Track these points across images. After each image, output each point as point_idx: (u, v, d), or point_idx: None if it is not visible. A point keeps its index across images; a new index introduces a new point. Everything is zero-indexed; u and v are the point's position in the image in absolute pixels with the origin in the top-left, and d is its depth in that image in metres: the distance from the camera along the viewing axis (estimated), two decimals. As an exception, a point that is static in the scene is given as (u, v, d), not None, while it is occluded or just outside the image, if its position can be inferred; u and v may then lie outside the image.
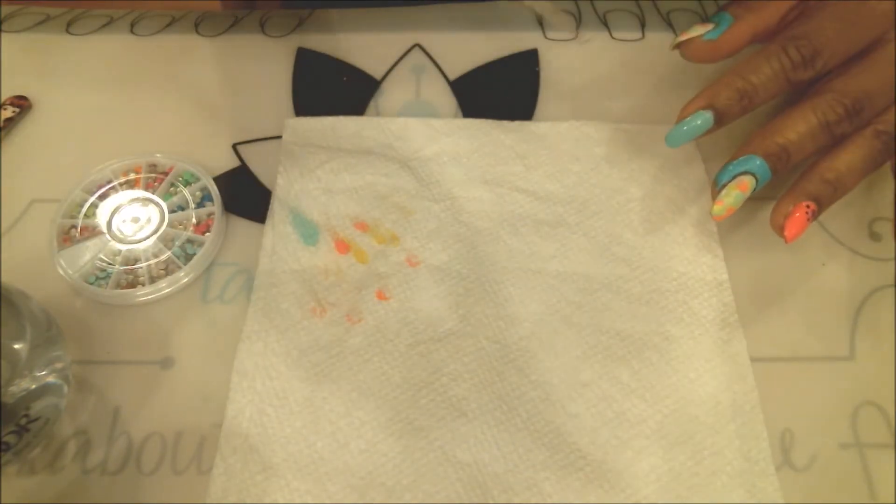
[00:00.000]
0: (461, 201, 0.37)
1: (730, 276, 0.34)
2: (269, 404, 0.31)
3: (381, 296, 0.34)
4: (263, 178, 0.38)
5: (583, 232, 0.36)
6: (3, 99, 0.41)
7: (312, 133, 0.39)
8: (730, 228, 0.36)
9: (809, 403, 0.31)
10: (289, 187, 0.37)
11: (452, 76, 0.42)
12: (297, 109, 0.41)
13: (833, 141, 0.31)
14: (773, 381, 0.32)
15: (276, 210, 0.36)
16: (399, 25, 0.44)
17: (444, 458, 0.30)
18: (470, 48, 0.43)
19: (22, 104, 0.41)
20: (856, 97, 0.31)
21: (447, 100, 0.41)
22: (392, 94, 0.41)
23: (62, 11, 0.45)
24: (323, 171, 0.38)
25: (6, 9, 0.45)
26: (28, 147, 0.40)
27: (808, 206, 0.30)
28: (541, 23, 0.44)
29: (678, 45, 0.36)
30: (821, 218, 0.36)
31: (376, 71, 0.42)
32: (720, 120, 0.32)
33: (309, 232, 0.36)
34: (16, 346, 0.28)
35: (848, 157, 0.31)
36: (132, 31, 0.44)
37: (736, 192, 0.30)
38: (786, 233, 0.30)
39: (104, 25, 0.45)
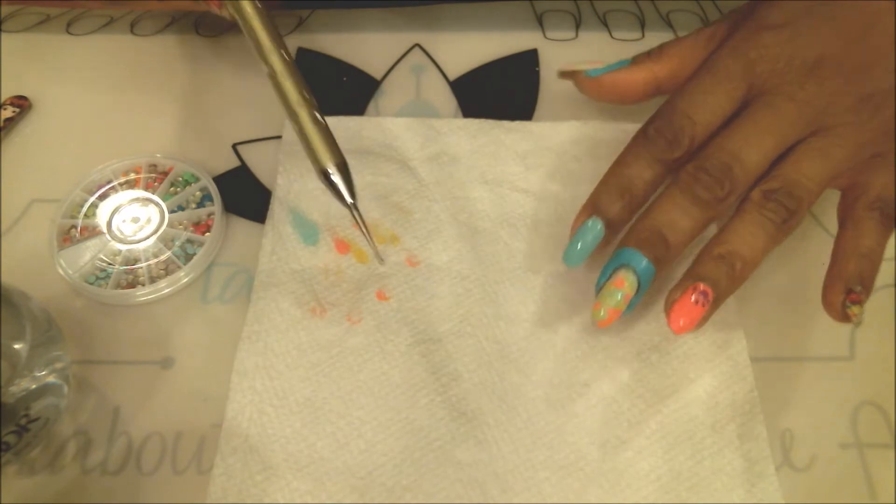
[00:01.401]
0: (461, 201, 0.37)
1: (730, 276, 0.34)
2: (269, 404, 0.31)
3: (381, 296, 0.34)
4: (263, 178, 0.38)
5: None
6: (3, 99, 0.41)
7: (312, 133, 0.39)
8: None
9: (809, 403, 0.31)
10: (289, 187, 0.37)
11: (452, 76, 0.42)
12: (297, 109, 0.41)
13: (716, 212, 0.29)
14: (773, 381, 0.32)
15: (276, 210, 0.36)
16: (399, 25, 0.44)
17: (444, 458, 0.30)
18: (470, 48, 0.43)
19: (22, 104, 0.41)
20: (717, 158, 0.28)
21: (447, 100, 0.41)
22: (392, 94, 0.41)
23: (62, 11, 0.45)
24: (323, 171, 0.38)
25: (6, 9, 0.45)
26: (28, 147, 0.40)
27: (695, 288, 0.27)
28: (540, 22, 0.44)
29: (561, 75, 0.36)
30: (820, 218, 0.36)
31: (376, 71, 0.42)
32: (611, 225, 0.30)
33: (309, 232, 0.36)
34: (16, 346, 0.28)
35: (737, 227, 0.28)
36: (132, 31, 0.44)
37: (613, 290, 0.28)
38: (671, 323, 0.27)
39: (104, 25, 0.45)
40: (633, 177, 0.30)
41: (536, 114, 0.40)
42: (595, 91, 0.35)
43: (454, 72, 0.42)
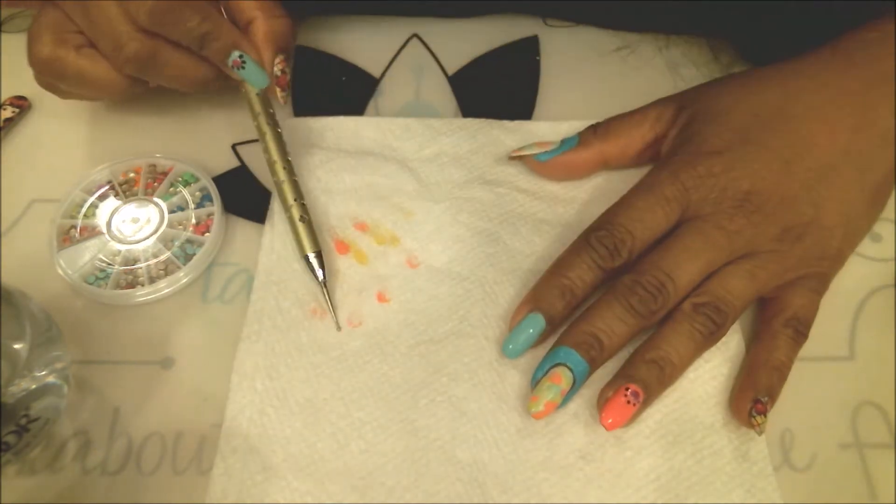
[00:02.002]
0: (461, 201, 0.37)
1: (730, 276, 0.34)
2: (269, 404, 0.31)
3: (382, 298, 0.34)
4: (263, 178, 0.38)
5: None
6: (3, 99, 0.41)
7: (312, 133, 0.39)
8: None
9: (809, 403, 0.31)
10: (289, 187, 0.37)
11: (452, 68, 0.42)
12: (296, 109, 0.41)
13: (648, 321, 0.31)
14: (772, 381, 0.32)
15: (276, 210, 0.36)
16: (397, 20, 0.44)
17: (444, 458, 0.30)
18: (469, 37, 0.43)
19: (22, 104, 0.41)
20: (652, 275, 0.31)
21: (447, 99, 0.41)
22: (392, 94, 0.41)
23: (62, 11, 0.45)
24: (323, 171, 0.38)
25: (6, 10, 0.45)
26: (28, 147, 0.40)
27: (627, 389, 0.29)
28: (544, 21, 0.44)
29: (510, 159, 0.37)
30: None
31: (375, 68, 0.42)
32: (552, 322, 0.31)
33: (309, 232, 0.36)
34: (16, 346, 0.28)
35: (667, 335, 0.30)
36: (132, 31, 0.44)
37: (549, 385, 0.29)
38: (603, 420, 0.29)
39: (104, 25, 0.45)
40: (574, 278, 0.32)
41: (537, 106, 0.40)
42: (546, 173, 0.37)
43: (453, 63, 0.42)
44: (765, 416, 0.29)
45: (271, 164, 0.36)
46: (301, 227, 0.34)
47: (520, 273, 0.34)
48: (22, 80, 0.42)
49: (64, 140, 0.40)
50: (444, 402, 0.31)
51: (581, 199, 0.37)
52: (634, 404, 0.29)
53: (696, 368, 0.32)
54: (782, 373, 0.31)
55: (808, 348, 0.32)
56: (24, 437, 0.28)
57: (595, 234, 0.32)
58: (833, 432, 0.31)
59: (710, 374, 0.32)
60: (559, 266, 0.32)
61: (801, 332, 0.31)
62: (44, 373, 0.29)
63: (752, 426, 0.30)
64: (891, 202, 0.36)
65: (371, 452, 0.30)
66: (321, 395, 0.31)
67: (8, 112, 0.40)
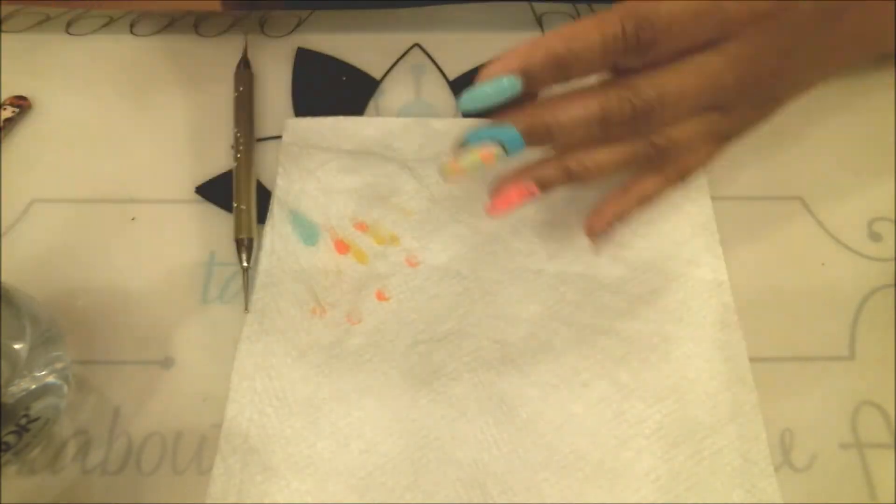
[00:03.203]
0: (461, 201, 0.37)
1: (729, 276, 0.34)
2: (268, 405, 0.31)
3: (381, 296, 0.34)
4: (263, 178, 0.38)
5: (582, 232, 0.36)
6: (3, 99, 0.41)
7: (312, 133, 0.39)
8: (730, 228, 0.36)
9: (809, 403, 0.31)
10: (288, 188, 0.37)
11: (452, 76, 0.42)
12: (296, 109, 0.41)
13: (605, 137, 0.28)
14: (773, 381, 0.32)
15: (276, 210, 0.36)
16: (399, 25, 0.44)
17: (444, 458, 0.30)
18: (470, 48, 0.43)
19: (22, 104, 0.41)
20: (648, 101, 0.27)
21: (447, 100, 0.41)
22: (392, 94, 0.41)
23: (62, 11, 0.45)
24: (323, 171, 0.38)
25: (6, 9, 0.45)
26: (28, 147, 0.40)
27: (528, 188, 0.28)
28: (540, 23, 0.44)
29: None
30: (820, 218, 0.36)
31: (376, 71, 0.42)
32: (528, 86, 0.27)
33: (309, 232, 0.36)
34: (16, 346, 0.28)
35: (603, 157, 0.28)
36: (132, 32, 0.44)
37: (473, 159, 0.27)
38: (490, 208, 0.28)
39: (104, 26, 0.45)
40: (580, 56, 0.26)
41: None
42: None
43: (454, 72, 0.42)
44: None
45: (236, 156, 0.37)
46: (242, 213, 0.36)
47: (519, 273, 0.34)
48: (22, 81, 0.42)
49: (64, 140, 0.40)
50: (444, 402, 0.31)
51: (580, 198, 0.37)
52: (525, 201, 0.29)
53: (695, 368, 0.32)
54: (641, 202, 0.30)
55: (808, 348, 0.32)
56: (24, 437, 0.28)
57: (636, 21, 0.26)
58: (833, 432, 0.31)
59: (710, 374, 0.32)
60: (572, 31, 0.26)
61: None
62: (44, 373, 0.29)
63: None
64: (890, 202, 0.37)
65: (371, 452, 0.30)
66: (321, 395, 0.31)
67: (8, 112, 0.40)
